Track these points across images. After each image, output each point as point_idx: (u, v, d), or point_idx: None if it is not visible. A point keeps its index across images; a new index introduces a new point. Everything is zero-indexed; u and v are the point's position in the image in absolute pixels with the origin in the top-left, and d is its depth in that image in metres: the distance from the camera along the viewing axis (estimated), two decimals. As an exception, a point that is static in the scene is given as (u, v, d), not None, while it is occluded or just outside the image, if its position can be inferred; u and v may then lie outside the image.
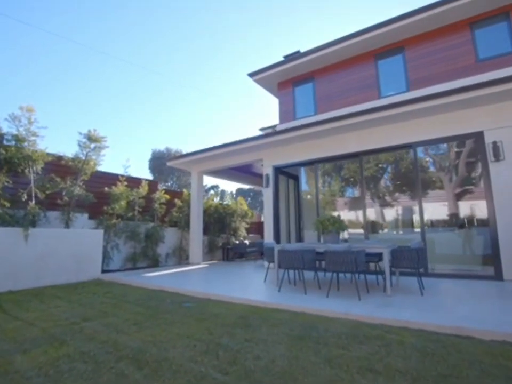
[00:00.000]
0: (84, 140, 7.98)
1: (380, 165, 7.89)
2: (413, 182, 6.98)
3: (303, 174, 9.12)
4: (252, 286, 5.97)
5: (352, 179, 8.22)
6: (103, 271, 8.26)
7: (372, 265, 6.00)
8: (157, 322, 3.67)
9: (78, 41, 34.21)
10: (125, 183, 9.14)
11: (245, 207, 13.84)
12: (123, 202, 8.78)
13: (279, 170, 8.96)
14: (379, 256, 5.53)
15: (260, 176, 13.41)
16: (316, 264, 5.72)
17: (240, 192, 35.45)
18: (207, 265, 10.02)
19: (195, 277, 7.46)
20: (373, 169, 7.88)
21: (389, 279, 4.60)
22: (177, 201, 10.97)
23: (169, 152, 31.01)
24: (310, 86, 9.90)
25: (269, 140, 8.14)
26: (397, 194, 7.72)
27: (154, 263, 9.79)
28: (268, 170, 8.82)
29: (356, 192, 8.27)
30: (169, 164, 10.73)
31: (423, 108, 6.24)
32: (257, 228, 16.16)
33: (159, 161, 29.84)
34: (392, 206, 7.70)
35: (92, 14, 33.06)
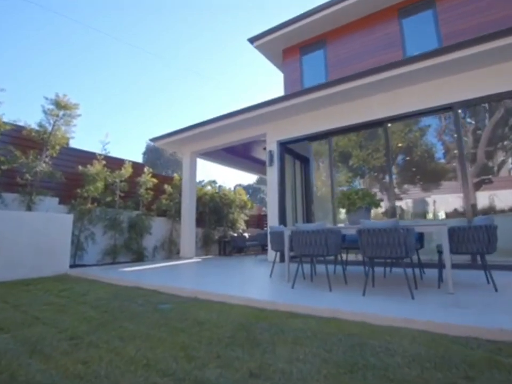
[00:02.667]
0: (51, 107, 6.60)
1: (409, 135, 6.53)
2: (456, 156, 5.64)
3: (311, 153, 7.75)
4: (254, 281, 4.61)
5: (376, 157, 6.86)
6: (74, 265, 6.89)
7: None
8: (108, 335, 2.31)
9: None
10: (103, 162, 7.76)
11: (244, 197, 12.48)
12: (99, 184, 7.39)
13: (284, 147, 7.60)
14: (420, 240, 4.22)
15: (261, 162, 12.05)
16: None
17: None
18: (200, 259, 8.65)
19: (184, 271, 6.09)
20: (406, 139, 6.49)
21: (450, 268, 3.25)
22: (167, 187, 9.59)
23: (165, 145, 29.65)
24: (321, 51, 8.54)
25: (274, 107, 6.78)
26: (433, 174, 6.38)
27: (139, 257, 8.42)
28: (271, 146, 7.45)
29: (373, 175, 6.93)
30: (157, 144, 9.34)
31: (469, 55, 4.91)
32: (257, 221, 14.80)
33: (153, 154, 28.44)
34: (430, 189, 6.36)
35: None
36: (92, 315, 2.92)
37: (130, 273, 5.64)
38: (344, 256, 5.20)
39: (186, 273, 5.72)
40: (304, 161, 8.91)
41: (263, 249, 12.80)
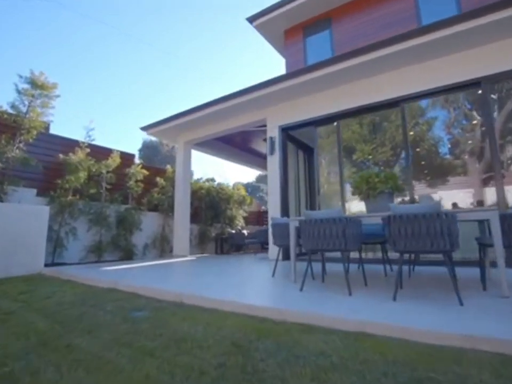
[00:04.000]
0: (26, 86, 5.88)
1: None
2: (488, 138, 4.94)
3: (317, 140, 7.03)
4: (254, 283, 3.89)
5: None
6: (53, 264, 6.17)
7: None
8: (42, 361, 1.60)
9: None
10: (87, 150, 7.03)
11: (243, 192, 11.77)
12: (82, 174, 6.66)
13: (287, 134, 6.88)
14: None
15: (261, 156, 11.34)
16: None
17: (237, 186, 33.09)
18: (194, 258, 7.93)
19: (174, 271, 5.36)
20: (414, 133, 5.84)
21: (503, 265, 2.54)
22: (160, 180, 8.87)
23: (161, 142, 28.85)
24: (326, 32, 7.84)
25: (275, 88, 6.06)
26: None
27: (128, 256, 7.69)
28: (272, 132, 6.74)
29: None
30: (148, 133, 8.61)
31: (500, 18, 4.22)
32: (257, 218, 14.08)
33: (150, 151, 27.67)
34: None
35: None
36: (39, 327, 2.20)
37: (111, 273, 4.92)
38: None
39: (176, 273, 5.00)
40: (308, 151, 8.20)
41: (263, 248, 12.12)
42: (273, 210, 6.36)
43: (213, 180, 10.97)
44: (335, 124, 6.27)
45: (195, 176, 10.52)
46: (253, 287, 3.48)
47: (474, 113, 5.66)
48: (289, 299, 2.71)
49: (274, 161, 6.59)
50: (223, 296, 2.78)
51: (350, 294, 2.72)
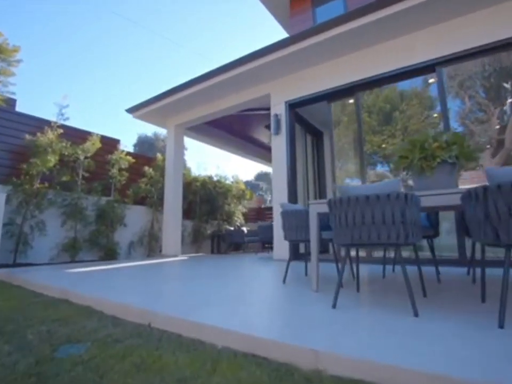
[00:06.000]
0: (-22, 49, 4.83)
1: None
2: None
3: (330, 120, 6.00)
4: (260, 293, 2.83)
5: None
6: (15, 265, 5.13)
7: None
8: None
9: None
10: (60, 131, 5.98)
11: (242, 186, 10.73)
12: (52, 158, 5.61)
13: (294, 113, 5.86)
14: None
15: (262, 146, 10.32)
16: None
17: (236, 184, 31.95)
18: (186, 258, 6.89)
19: (156, 274, 4.30)
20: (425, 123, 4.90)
21: None
22: (148, 170, 7.82)
23: (158, 137, 27.73)
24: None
25: (281, 53, 5.04)
26: None
27: (110, 255, 6.65)
28: (278, 109, 5.70)
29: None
30: (135, 115, 7.54)
31: None
32: (257, 215, 13.03)
33: (145, 146, 26.59)
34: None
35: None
36: None
37: (72, 277, 3.87)
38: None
39: (158, 277, 3.94)
40: (317, 136, 7.19)
41: (264, 247, 11.07)
42: (279, 198, 5.32)
43: (210, 177, 9.87)
44: (351, 101, 5.22)
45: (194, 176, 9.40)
46: (260, 301, 2.44)
47: (490, 103, 4.74)
48: (319, 325, 1.68)
49: (280, 142, 5.55)
50: (212, 319, 1.75)
51: (417, 315, 1.70)
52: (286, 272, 2.99)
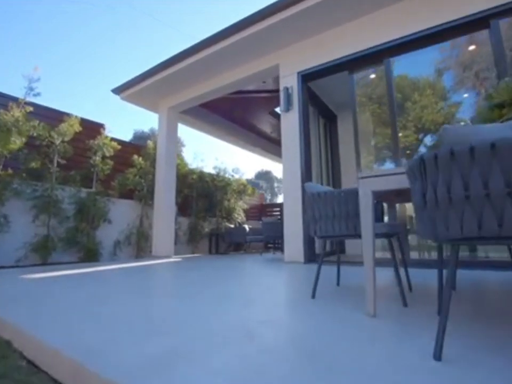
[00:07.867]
0: None
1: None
2: None
3: (355, 99, 5.04)
4: (283, 319, 1.89)
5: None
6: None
7: None
8: None
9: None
10: (30, 109, 5.04)
11: (243, 180, 9.80)
12: (17, 139, 4.65)
13: (307, 88, 4.92)
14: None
15: (265, 137, 9.39)
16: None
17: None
18: (180, 259, 5.95)
19: (132, 284, 3.34)
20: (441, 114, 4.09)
21: None
22: (137, 159, 6.88)
23: (154, 133, 26.81)
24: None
25: (296, 8, 4.11)
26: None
27: (91, 256, 5.69)
28: (288, 81, 4.77)
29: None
30: (122, 96, 6.58)
31: None
32: (258, 212, 12.09)
33: (141, 142, 25.63)
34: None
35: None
36: None
37: (21, 287, 2.92)
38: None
39: (132, 288, 2.98)
40: (330, 120, 6.26)
41: (266, 247, 10.14)
42: (291, 184, 4.38)
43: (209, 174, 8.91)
44: (382, 62, 4.28)
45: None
46: (287, 341, 1.49)
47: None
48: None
49: (291, 119, 4.60)
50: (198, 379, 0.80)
51: None
52: (316, 284, 2.05)
